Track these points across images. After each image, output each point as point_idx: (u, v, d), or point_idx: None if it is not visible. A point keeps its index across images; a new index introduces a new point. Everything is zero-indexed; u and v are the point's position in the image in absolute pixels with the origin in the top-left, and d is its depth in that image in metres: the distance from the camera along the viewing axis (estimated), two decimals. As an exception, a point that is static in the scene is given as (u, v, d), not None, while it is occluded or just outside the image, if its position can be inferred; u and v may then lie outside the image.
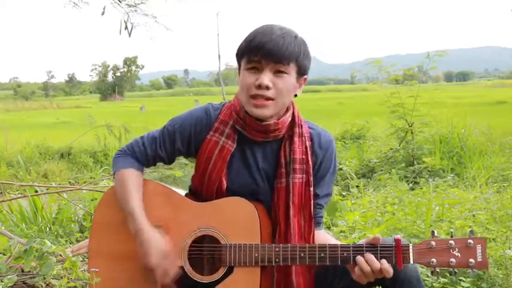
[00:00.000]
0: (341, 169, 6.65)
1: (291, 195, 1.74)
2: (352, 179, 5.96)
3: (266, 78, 1.65)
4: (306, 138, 1.79)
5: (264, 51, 1.64)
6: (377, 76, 7.78)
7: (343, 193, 5.39)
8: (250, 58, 1.67)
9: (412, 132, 7.11)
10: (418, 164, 6.50)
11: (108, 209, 1.85)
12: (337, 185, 5.81)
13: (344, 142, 9.73)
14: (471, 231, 1.55)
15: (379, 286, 1.70)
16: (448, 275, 2.53)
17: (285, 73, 1.67)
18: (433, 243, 1.55)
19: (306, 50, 1.70)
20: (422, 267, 2.52)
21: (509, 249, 2.67)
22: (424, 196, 4.07)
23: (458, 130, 7.67)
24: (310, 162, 1.78)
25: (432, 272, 1.56)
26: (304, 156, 1.77)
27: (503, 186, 4.97)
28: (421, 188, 4.72)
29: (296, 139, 1.77)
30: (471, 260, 1.52)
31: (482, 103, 21.33)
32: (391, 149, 7.40)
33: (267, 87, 1.66)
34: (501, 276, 2.56)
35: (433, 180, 4.92)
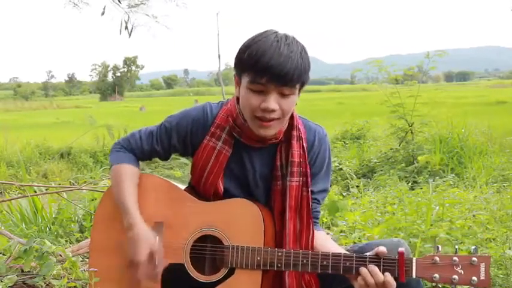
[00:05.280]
0: (341, 169, 6.65)
1: (287, 198, 1.74)
2: (352, 179, 5.96)
3: (272, 101, 1.60)
4: (303, 140, 1.78)
5: (272, 76, 1.56)
6: (377, 76, 7.78)
7: (343, 193, 5.39)
8: (256, 80, 1.59)
9: (412, 132, 7.12)
10: (418, 164, 6.50)
11: (111, 201, 1.84)
12: (337, 185, 5.81)
13: (344, 142, 9.73)
14: (475, 249, 1.54)
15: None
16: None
17: (291, 94, 1.63)
18: (437, 258, 1.53)
19: (309, 65, 1.64)
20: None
21: (509, 249, 2.67)
22: (424, 196, 4.06)
23: (458, 130, 7.67)
24: (308, 164, 1.77)
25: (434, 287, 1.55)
26: (302, 159, 1.76)
27: (503, 186, 4.97)
28: (421, 188, 4.72)
29: (294, 142, 1.76)
30: (474, 277, 1.49)
31: (482, 103, 21.31)
32: (391, 149, 7.41)
33: (273, 110, 1.62)
34: (501, 276, 2.56)
35: (433, 180, 4.92)
